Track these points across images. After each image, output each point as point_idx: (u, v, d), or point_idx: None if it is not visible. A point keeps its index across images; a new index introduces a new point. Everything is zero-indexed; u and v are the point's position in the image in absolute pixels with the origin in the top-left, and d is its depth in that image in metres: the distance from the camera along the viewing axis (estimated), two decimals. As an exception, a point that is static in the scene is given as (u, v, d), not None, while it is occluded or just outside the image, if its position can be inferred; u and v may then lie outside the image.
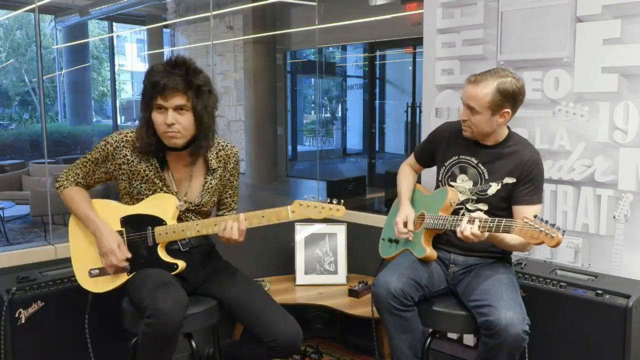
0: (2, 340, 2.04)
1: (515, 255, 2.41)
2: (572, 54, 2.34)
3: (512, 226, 1.79)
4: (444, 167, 2.19)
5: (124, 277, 1.97)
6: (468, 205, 2.11)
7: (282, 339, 1.91)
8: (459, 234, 1.90)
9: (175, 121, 1.89)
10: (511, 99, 1.97)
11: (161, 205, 1.99)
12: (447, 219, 2.02)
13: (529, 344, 2.13)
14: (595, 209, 2.33)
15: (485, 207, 2.08)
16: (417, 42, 6.55)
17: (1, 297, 2.07)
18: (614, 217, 2.27)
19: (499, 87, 1.95)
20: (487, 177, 2.08)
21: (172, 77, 1.86)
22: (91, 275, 1.98)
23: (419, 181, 2.45)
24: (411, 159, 2.40)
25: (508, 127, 2.12)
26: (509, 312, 1.83)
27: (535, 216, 1.76)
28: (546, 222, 1.73)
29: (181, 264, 1.98)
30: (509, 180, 2.04)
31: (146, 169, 1.99)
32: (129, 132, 2.01)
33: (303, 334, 1.96)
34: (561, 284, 2.16)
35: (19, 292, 2.09)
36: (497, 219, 1.85)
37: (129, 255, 1.96)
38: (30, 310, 2.10)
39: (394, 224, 2.21)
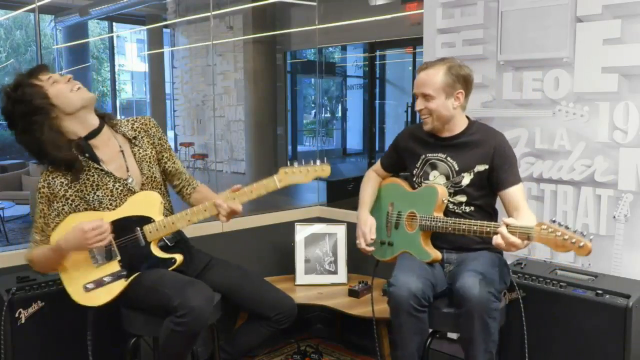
0: (2, 340, 2.04)
1: (515, 255, 2.41)
2: (572, 54, 2.34)
3: (531, 234, 1.75)
4: (416, 169, 2.19)
5: (122, 284, 1.93)
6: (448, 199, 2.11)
7: (286, 310, 2.08)
8: (497, 243, 1.82)
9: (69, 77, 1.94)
10: (462, 80, 2.06)
11: (145, 203, 1.96)
12: (447, 223, 2.01)
13: (528, 343, 2.13)
14: (595, 209, 2.33)
15: (464, 199, 2.09)
16: (417, 42, 6.55)
17: (1, 297, 2.07)
18: (614, 217, 2.27)
19: (449, 68, 2.04)
20: (457, 168, 2.10)
21: (33, 68, 1.92)
22: (87, 290, 1.93)
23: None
24: (377, 166, 2.38)
25: (468, 117, 2.15)
26: (471, 278, 1.86)
27: (554, 220, 1.72)
28: (566, 227, 1.68)
29: (178, 257, 1.96)
30: (480, 167, 2.06)
31: (88, 176, 1.94)
32: (47, 169, 1.94)
33: (303, 333, 1.98)
34: (561, 284, 2.16)
35: (19, 292, 2.08)
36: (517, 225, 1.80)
37: (106, 224, 1.88)
38: (30, 310, 2.10)
39: (360, 235, 2.21)
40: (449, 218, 2.05)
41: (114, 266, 1.94)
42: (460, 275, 1.92)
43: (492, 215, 2.14)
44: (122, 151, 2.01)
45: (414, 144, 2.21)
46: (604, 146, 2.28)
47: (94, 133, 1.96)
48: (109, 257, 1.94)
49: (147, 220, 1.95)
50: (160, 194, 2.05)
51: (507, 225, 1.79)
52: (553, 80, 2.40)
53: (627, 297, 2.01)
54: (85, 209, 1.95)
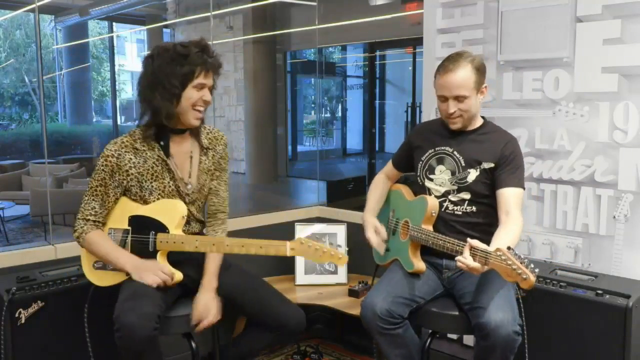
0: (2, 340, 2.04)
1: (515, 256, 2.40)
2: (572, 54, 2.34)
3: (489, 259, 1.71)
4: (421, 162, 2.16)
5: (122, 277, 1.95)
6: (450, 197, 2.08)
7: (291, 325, 2.02)
8: (459, 266, 1.79)
9: (209, 99, 1.96)
10: (484, 74, 2.04)
11: (169, 211, 1.96)
12: (429, 236, 2.00)
13: (528, 343, 2.13)
14: (595, 209, 2.33)
15: (467, 196, 2.05)
16: (417, 42, 6.55)
17: (1, 297, 2.07)
18: (614, 217, 2.27)
19: (474, 65, 1.99)
20: (463, 164, 2.07)
21: (214, 58, 1.93)
22: (95, 268, 1.99)
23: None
24: (388, 166, 2.36)
25: (482, 117, 2.13)
26: (499, 314, 1.81)
27: (509, 248, 1.68)
28: (521, 257, 1.64)
29: (177, 276, 1.93)
30: (487, 165, 2.03)
31: (154, 165, 1.96)
32: (122, 137, 1.98)
33: (303, 333, 1.97)
34: (561, 284, 2.16)
35: (19, 292, 2.08)
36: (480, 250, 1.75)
37: (168, 272, 1.90)
38: (30, 310, 2.10)
39: (367, 239, 2.20)
40: (430, 232, 2.02)
41: None
42: (483, 306, 1.85)
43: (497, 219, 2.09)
44: (191, 156, 2.04)
45: (426, 137, 2.18)
46: (604, 146, 2.28)
47: (180, 131, 2.00)
48: (122, 246, 1.97)
49: (164, 228, 1.95)
50: (200, 205, 2.07)
51: (471, 248, 1.75)
52: (553, 80, 2.40)
53: (627, 297, 2.01)
54: (136, 193, 1.97)
